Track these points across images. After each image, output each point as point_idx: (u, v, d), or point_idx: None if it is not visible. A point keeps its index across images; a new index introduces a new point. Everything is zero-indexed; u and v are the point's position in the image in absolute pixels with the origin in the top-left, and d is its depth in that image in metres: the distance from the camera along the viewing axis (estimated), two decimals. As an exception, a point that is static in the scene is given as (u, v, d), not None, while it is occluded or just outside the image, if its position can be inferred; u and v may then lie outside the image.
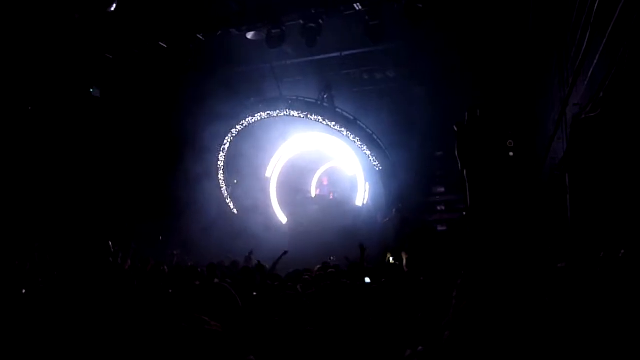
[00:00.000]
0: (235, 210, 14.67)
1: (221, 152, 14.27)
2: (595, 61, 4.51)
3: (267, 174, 15.19)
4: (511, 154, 1.35)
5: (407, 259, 8.66)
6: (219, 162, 14.35)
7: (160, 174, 13.25)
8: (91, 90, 11.74)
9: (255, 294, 4.47)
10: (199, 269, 6.75)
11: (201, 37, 10.57)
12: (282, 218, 14.98)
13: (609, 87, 4.22)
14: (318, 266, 7.38)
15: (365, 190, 13.92)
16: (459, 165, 1.37)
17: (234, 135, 14.16)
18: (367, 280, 6.23)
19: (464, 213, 12.26)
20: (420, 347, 1.99)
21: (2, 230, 9.76)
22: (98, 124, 12.12)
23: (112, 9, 8.60)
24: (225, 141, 14.22)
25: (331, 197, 15.52)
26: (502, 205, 1.34)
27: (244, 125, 13.91)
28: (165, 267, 7.13)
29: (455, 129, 1.40)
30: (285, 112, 13.23)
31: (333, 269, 6.51)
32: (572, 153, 5.27)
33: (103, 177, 12.49)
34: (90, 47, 10.73)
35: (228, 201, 14.64)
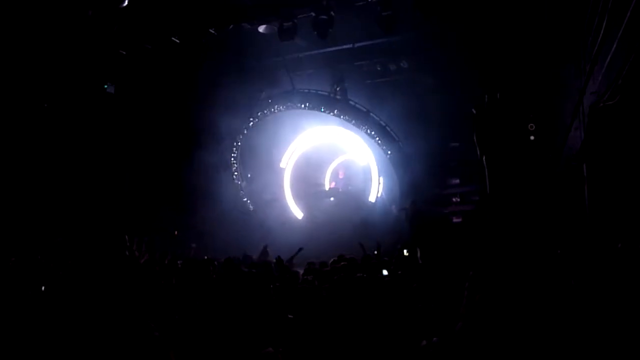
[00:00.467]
0: (250, 205, 14.74)
1: (235, 146, 14.32)
2: (612, 49, 4.42)
3: (282, 165, 15.21)
4: (532, 137, 1.31)
5: (421, 251, 8.64)
6: (232, 156, 14.41)
7: (175, 169, 13.37)
8: (105, 86, 11.84)
9: (272, 286, 4.50)
10: (215, 263, 6.80)
11: (213, 32, 10.59)
12: (297, 212, 15.01)
13: (627, 75, 4.14)
14: (333, 259, 7.40)
15: (380, 183, 13.88)
16: (478, 151, 1.34)
17: (247, 129, 14.19)
18: (385, 272, 6.23)
19: (480, 200, 12.17)
20: (435, 338, 1.99)
21: (24, 225, 9.94)
22: (113, 119, 12.23)
23: (125, 4, 8.65)
24: (238, 135, 14.26)
25: (346, 189, 15.49)
26: (522, 192, 1.31)
27: (257, 119, 13.94)
28: (180, 262, 7.20)
29: (474, 112, 1.36)
30: (298, 105, 13.22)
31: (346, 262, 6.51)
32: (590, 143, 5.18)
33: (119, 172, 12.63)
34: (104, 44, 10.81)
35: (242, 195, 14.71)
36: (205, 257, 8.29)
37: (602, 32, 4.40)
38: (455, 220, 13.36)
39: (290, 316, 3.26)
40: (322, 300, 3.84)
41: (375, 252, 8.51)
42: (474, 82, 10.29)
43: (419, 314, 3.75)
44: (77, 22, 9.87)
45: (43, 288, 4.49)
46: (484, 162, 1.22)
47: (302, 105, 13.12)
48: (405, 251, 9.25)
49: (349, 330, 3.23)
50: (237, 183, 14.57)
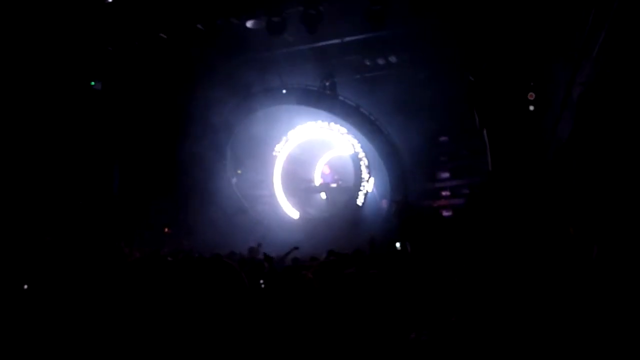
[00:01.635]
0: (242, 201, 14.68)
1: (225, 142, 14.24)
2: (600, 40, 4.43)
3: (273, 161, 15.15)
4: (532, 108, 1.26)
5: (410, 245, 8.65)
6: (223, 152, 14.33)
7: (165, 166, 13.27)
8: (92, 83, 11.71)
9: (262, 282, 4.47)
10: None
11: (201, 27, 10.50)
12: (288, 208, 14.98)
13: (614, 66, 4.15)
14: (324, 255, 7.38)
15: (370, 177, 13.89)
16: (477, 123, 1.28)
17: (237, 124, 14.12)
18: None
19: (471, 192, 12.20)
20: (424, 331, 1.97)
21: (11, 225, 9.81)
22: (100, 116, 12.11)
23: (110, 0, 8.54)
24: (228, 131, 14.19)
25: (336, 185, 15.49)
26: (525, 165, 1.27)
27: (247, 115, 13.87)
28: (170, 258, 7.14)
29: (472, 79, 1.29)
30: (287, 100, 13.17)
31: (335, 257, 6.50)
32: (579, 133, 5.20)
33: (109, 168, 12.51)
34: (90, 41, 10.68)
35: (234, 191, 14.64)
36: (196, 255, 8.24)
37: (590, 23, 4.42)
38: (445, 214, 13.42)
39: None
40: (310, 295, 3.81)
41: (371, 247, 8.58)
42: (463, 76, 10.31)
43: (409, 307, 3.74)
44: (63, 19, 9.74)
45: (25, 287, 4.42)
46: (485, 136, 1.17)
47: (292, 101, 13.07)
48: (397, 244, 9.27)
49: (335, 326, 3.21)
50: (228, 179, 14.51)
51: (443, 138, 13.69)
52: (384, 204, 13.05)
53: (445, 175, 14.01)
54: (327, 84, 12.64)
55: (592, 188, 5.28)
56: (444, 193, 13.95)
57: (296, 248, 8.31)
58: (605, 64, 4.24)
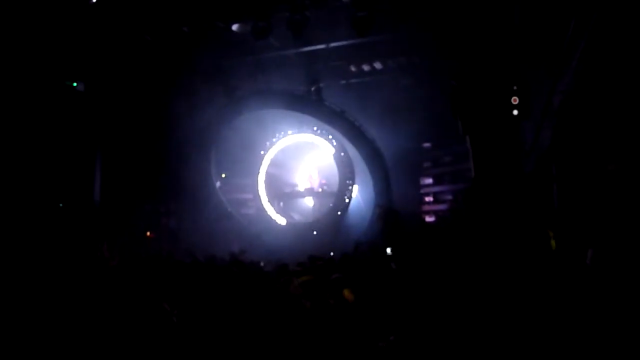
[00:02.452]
0: (226, 205, 14.60)
1: (209, 147, 14.16)
2: (580, 48, 4.53)
3: (259, 166, 15.11)
4: (515, 112, 1.27)
5: (393, 250, 8.70)
6: (207, 156, 14.25)
7: (149, 169, 13.13)
8: (75, 84, 11.56)
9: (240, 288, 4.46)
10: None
11: (186, 30, 10.45)
12: (273, 213, 14.94)
13: (594, 74, 4.24)
14: (306, 259, 7.38)
15: (355, 182, 13.95)
16: (460, 129, 1.29)
17: (222, 129, 14.06)
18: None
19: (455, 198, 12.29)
20: (391, 337, 1.98)
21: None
22: (83, 118, 11.94)
23: (94, 0, 8.45)
24: (213, 135, 14.12)
25: (321, 190, 15.51)
26: (509, 171, 1.28)
27: (232, 118, 13.82)
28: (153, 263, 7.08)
29: (454, 83, 1.30)
30: (272, 105, 13.16)
31: (321, 262, 6.50)
32: (559, 142, 5.29)
33: (90, 171, 12.33)
34: (74, 41, 10.55)
35: (218, 196, 14.55)
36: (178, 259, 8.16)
37: (570, 32, 4.51)
38: (428, 219, 13.53)
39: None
40: (289, 301, 3.81)
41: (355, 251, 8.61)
42: (447, 83, 10.41)
43: (387, 313, 3.76)
44: (46, 18, 9.62)
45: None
46: (468, 142, 1.16)
47: (277, 105, 13.07)
48: (388, 250, 9.32)
49: (310, 332, 3.21)
50: (213, 183, 14.42)
51: (426, 144, 13.82)
52: (368, 208, 13.10)
53: (429, 181, 14.14)
54: (313, 89, 12.66)
55: (573, 195, 5.38)
56: (427, 199, 14.08)
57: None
58: (585, 74, 4.33)
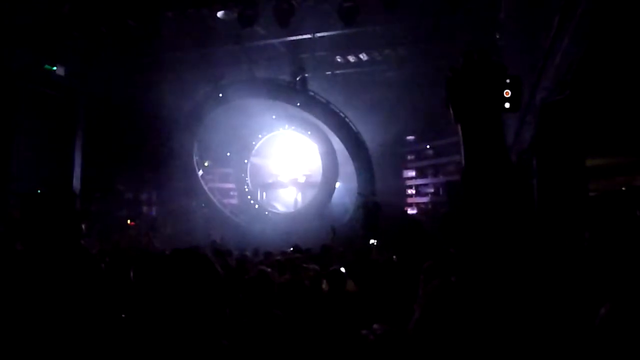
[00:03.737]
0: (209, 194, 14.49)
1: (193, 134, 14.00)
2: (564, 45, 4.56)
3: (243, 155, 15.03)
4: (507, 105, 1.27)
5: (378, 243, 8.75)
6: (191, 145, 14.10)
7: (129, 157, 12.93)
8: (54, 68, 11.29)
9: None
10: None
11: (170, 16, 10.27)
12: (256, 202, 14.90)
13: (576, 70, 4.28)
14: (290, 249, 7.37)
15: (338, 173, 13.97)
16: (452, 118, 1.28)
17: (205, 117, 13.91)
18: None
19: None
20: (375, 325, 1.98)
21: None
22: (62, 102, 11.70)
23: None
24: (197, 123, 13.96)
25: (304, 179, 15.50)
26: (498, 163, 1.27)
27: (216, 107, 13.67)
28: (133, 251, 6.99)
29: (450, 74, 1.29)
30: (257, 94, 13.05)
31: (301, 253, 6.49)
32: (540, 137, 5.34)
33: (69, 156, 12.11)
34: (56, 25, 10.30)
35: (200, 184, 14.43)
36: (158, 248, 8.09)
37: (554, 28, 4.54)
38: (410, 211, 13.64)
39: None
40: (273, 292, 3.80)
41: (331, 237, 8.73)
42: (432, 76, 10.45)
43: (372, 304, 3.77)
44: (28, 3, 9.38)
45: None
46: (459, 131, 1.16)
47: (262, 94, 12.96)
48: (372, 241, 9.37)
49: (294, 324, 3.20)
50: (195, 172, 14.28)
51: (410, 137, 13.90)
52: (351, 199, 13.14)
53: (411, 173, 14.25)
54: (298, 79, 12.58)
55: (553, 190, 5.44)
56: (409, 191, 14.19)
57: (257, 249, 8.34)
58: (567, 69, 4.38)
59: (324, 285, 4.02)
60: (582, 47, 4.12)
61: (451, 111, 1.26)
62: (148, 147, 13.03)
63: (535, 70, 5.67)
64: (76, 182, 12.06)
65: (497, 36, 8.94)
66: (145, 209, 14.08)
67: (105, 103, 12.44)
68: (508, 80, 1.25)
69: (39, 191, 11.33)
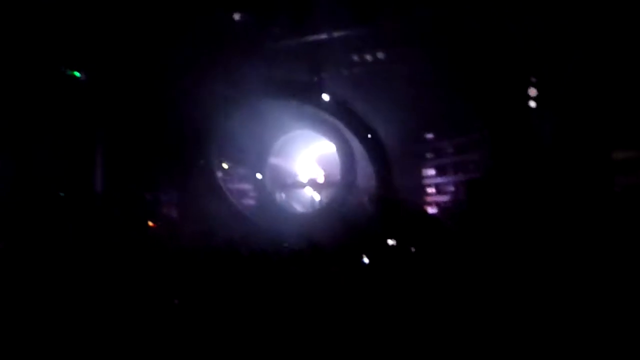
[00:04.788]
0: (227, 195, 14.57)
1: (211, 136, 14.10)
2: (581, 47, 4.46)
3: (260, 156, 15.08)
4: (533, 104, 1.22)
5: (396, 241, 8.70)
6: (208, 146, 14.20)
7: (149, 159, 13.08)
8: (76, 73, 11.48)
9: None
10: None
11: (188, 17, 10.36)
12: (274, 203, 14.94)
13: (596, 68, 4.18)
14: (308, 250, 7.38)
15: (356, 173, 13.92)
16: (475, 115, 1.24)
17: (223, 119, 13.99)
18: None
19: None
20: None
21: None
22: (83, 106, 11.89)
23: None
24: (214, 125, 14.05)
25: (323, 179, 15.52)
26: (522, 161, 1.23)
27: (234, 108, 13.74)
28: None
29: (472, 71, 1.25)
30: (275, 95, 13.08)
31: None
32: (563, 131, 5.24)
33: (90, 161, 12.31)
34: (75, 30, 10.48)
35: (219, 185, 14.52)
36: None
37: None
38: (430, 211, 13.50)
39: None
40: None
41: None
42: (450, 74, 10.36)
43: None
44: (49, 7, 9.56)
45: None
46: (483, 125, 1.10)
47: (279, 95, 12.98)
48: (389, 241, 9.32)
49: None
50: (214, 173, 14.37)
51: (429, 135, 13.76)
52: (368, 198, 13.07)
53: (431, 172, 14.10)
54: (315, 79, 12.58)
55: (576, 186, 5.34)
56: (429, 190, 14.04)
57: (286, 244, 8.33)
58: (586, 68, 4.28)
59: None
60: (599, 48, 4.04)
61: (475, 108, 1.22)
62: (167, 148, 13.16)
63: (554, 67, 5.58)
64: (98, 185, 12.26)
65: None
66: (165, 209, 14.20)
67: (125, 106, 12.61)
68: (534, 79, 1.21)
69: (61, 194, 11.59)
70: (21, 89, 10.65)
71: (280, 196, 15.41)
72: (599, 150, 5.21)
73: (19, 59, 10.35)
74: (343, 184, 14.10)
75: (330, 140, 14.34)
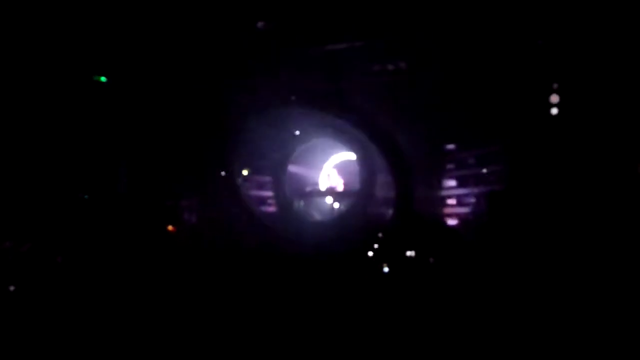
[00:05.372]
0: (247, 202, 14.66)
1: (231, 143, 14.22)
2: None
3: (281, 164, 15.15)
4: (555, 111, 1.19)
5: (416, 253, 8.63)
6: (229, 152, 14.32)
7: (169, 165, 13.24)
8: (103, 79, 11.72)
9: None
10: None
11: (211, 26, 10.49)
12: (294, 211, 14.98)
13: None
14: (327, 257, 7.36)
15: (376, 183, 13.87)
16: (495, 126, 1.22)
17: (244, 127, 14.11)
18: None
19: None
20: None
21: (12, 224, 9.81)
22: (107, 112, 12.11)
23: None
24: (236, 133, 14.18)
25: (342, 188, 15.53)
26: (547, 178, 1.21)
27: (254, 116, 13.85)
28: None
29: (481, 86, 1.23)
30: (295, 104, 13.15)
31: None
32: (587, 142, 5.14)
33: (115, 166, 12.50)
34: (103, 35, 10.71)
35: (239, 192, 14.61)
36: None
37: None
38: (450, 222, 13.35)
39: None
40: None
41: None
42: (472, 84, 10.27)
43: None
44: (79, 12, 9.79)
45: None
46: (506, 136, 1.08)
47: (299, 104, 13.05)
48: (408, 252, 9.28)
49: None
50: (234, 179, 14.48)
51: (450, 146, 13.64)
52: (387, 208, 13.01)
53: (452, 183, 13.96)
54: (336, 88, 12.61)
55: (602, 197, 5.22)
56: (449, 201, 13.89)
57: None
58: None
59: None
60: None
61: (493, 120, 1.19)
62: (189, 154, 13.30)
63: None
64: (122, 188, 12.45)
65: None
66: (185, 216, 14.33)
67: (150, 112, 12.80)
68: (556, 86, 1.18)
69: (85, 197, 11.80)
70: (46, 92, 10.90)
71: (299, 204, 15.42)
72: (625, 163, 5.09)
73: (47, 62, 10.61)
74: (362, 194, 14.06)
75: (350, 150, 14.33)
